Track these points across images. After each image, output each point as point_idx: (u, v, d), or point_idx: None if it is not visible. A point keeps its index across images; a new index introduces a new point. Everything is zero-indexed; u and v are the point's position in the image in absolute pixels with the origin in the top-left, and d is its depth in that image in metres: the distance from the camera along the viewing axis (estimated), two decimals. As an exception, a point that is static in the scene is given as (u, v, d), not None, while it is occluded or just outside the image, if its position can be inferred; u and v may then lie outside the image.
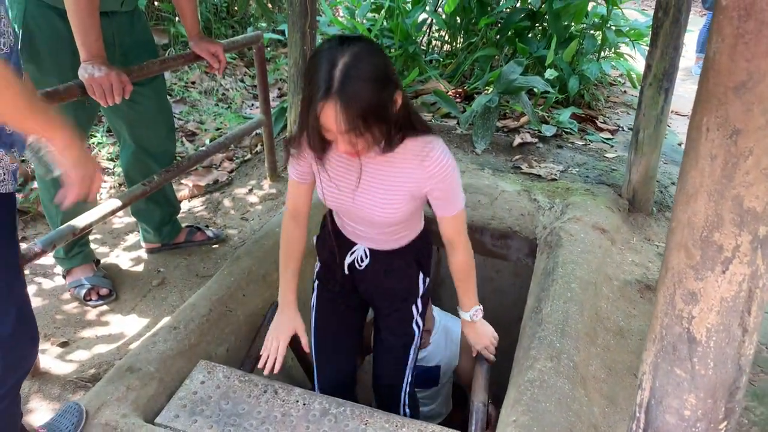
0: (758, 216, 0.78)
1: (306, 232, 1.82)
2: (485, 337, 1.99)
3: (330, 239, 1.83)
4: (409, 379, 2.01)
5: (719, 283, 0.82)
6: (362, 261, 1.79)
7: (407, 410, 2.05)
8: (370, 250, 1.77)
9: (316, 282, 1.96)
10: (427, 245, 1.87)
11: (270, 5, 5.40)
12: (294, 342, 2.26)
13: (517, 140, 3.44)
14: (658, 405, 0.93)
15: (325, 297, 1.95)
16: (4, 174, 1.21)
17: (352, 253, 1.79)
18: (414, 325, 1.91)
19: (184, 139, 3.70)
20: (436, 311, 2.47)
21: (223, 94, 4.55)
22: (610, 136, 3.76)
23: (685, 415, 0.90)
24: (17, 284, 1.28)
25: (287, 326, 1.81)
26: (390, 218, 1.60)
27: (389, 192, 1.57)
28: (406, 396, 2.03)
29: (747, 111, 0.74)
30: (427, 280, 1.88)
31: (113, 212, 2.05)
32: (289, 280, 1.81)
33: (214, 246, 2.64)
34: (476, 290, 1.89)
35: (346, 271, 1.82)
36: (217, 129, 3.89)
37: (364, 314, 2.05)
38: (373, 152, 1.47)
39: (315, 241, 1.92)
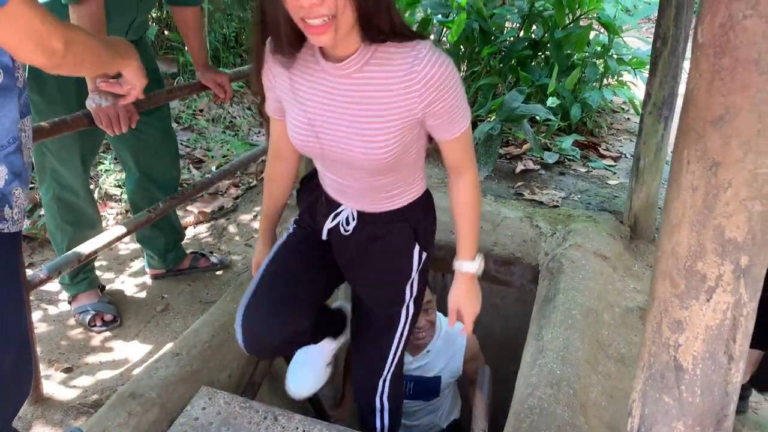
0: (739, 246, 0.80)
1: (295, 170, 1.63)
2: (479, 302, 1.61)
3: (311, 193, 1.59)
4: (389, 378, 1.73)
5: (704, 312, 0.83)
6: (347, 225, 1.52)
7: (385, 421, 1.80)
8: (358, 212, 1.50)
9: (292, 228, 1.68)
10: (428, 213, 1.57)
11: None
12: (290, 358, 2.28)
13: (520, 167, 3.47)
14: (647, 432, 0.94)
15: (296, 236, 1.64)
16: (19, 213, 1.20)
17: (336, 215, 1.52)
18: (403, 311, 1.62)
19: (191, 166, 3.75)
20: (438, 316, 2.39)
21: (231, 121, 4.61)
22: (613, 163, 3.79)
23: (674, 443, 0.91)
24: (21, 323, 1.29)
25: (256, 258, 1.74)
26: (377, 158, 1.30)
27: (372, 118, 1.27)
28: (385, 400, 1.77)
29: (725, 144, 0.76)
30: (425, 255, 1.56)
31: (118, 239, 2.08)
32: (266, 214, 1.71)
33: (218, 272, 2.66)
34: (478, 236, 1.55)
35: (325, 237, 1.57)
36: (224, 156, 3.94)
37: (337, 280, 1.69)
38: (348, 51, 1.22)
39: (296, 195, 1.68)
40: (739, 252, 0.80)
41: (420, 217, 1.53)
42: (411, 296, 1.61)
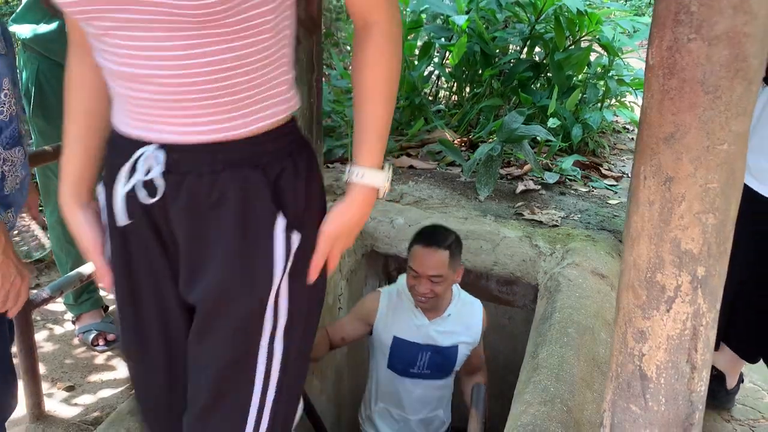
0: (695, 257, 0.83)
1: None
2: (357, 224, 1.09)
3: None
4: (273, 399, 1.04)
5: (665, 322, 0.86)
6: (149, 178, 0.92)
7: None
8: (167, 149, 0.91)
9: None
10: (303, 159, 1.01)
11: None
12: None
13: (520, 187, 3.51)
14: (617, 441, 0.96)
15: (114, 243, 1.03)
16: None
17: (133, 167, 0.93)
18: (260, 360, 0.98)
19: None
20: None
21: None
22: (615, 183, 3.81)
23: (642, 451, 0.93)
24: (2, 347, 1.33)
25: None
26: None
27: None
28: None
29: (677, 160, 0.80)
30: (297, 240, 0.97)
31: (120, 259, 2.14)
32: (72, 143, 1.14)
33: (220, 292, 2.70)
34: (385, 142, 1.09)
35: (123, 221, 0.97)
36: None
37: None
38: None
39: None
40: (695, 263, 0.83)
41: (287, 162, 0.97)
42: (275, 325, 0.98)
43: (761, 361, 2.03)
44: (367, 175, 1.05)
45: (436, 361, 2.23)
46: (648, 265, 0.86)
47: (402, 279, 2.20)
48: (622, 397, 0.94)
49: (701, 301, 0.85)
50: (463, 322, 2.25)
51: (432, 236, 2.06)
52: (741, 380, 2.21)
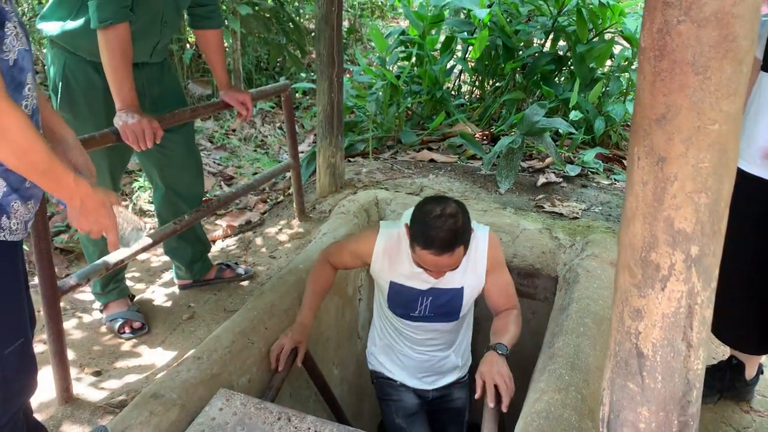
0: (689, 236, 0.84)
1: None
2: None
3: None
4: None
5: (660, 300, 0.88)
6: None
7: None
8: None
9: None
10: None
11: (301, 55, 5.65)
12: (314, 373, 2.36)
13: (542, 180, 3.51)
14: (616, 419, 0.98)
15: None
16: (18, 224, 1.29)
17: None
18: None
19: (222, 183, 3.89)
20: None
21: (262, 140, 4.76)
22: (637, 176, 3.79)
23: (640, 428, 0.95)
24: (19, 327, 1.37)
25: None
26: None
27: None
28: None
29: (669, 140, 0.81)
30: None
31: (144, 249, 2.20)
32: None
33: (242, 282, 2.76)
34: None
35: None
36: (254, 173, 4.08)
37: None
38: None
39: None
40: (688, 242, 0.85)
41: None
42: None
43: None
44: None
45: (439, 305, 2.06)
46: (643, 245, 0.88)
47: (404, 222, 1.96)
48: (620, 375, 0.96)
49: (695, 279, 0.86)
50: (467, 260, 2.00)
51: (444, 242, 1.75)
52: (760, 371, 2.19)
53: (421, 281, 2.00)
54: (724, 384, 2.16)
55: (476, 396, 1.93)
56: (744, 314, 1.98)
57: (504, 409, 1.91)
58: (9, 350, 1.29)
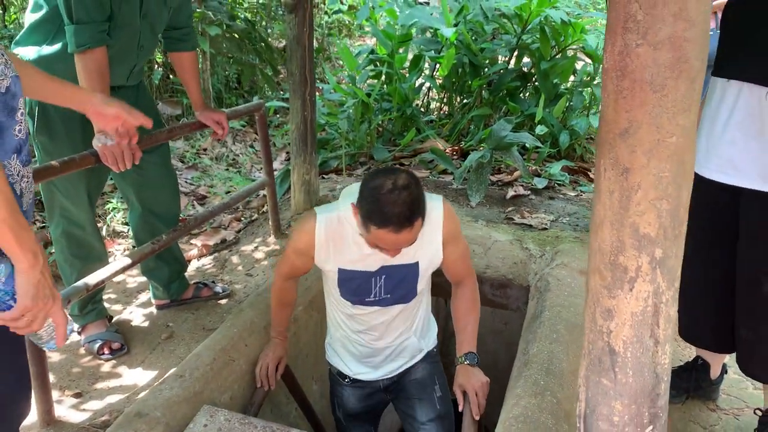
0: (653, 240, 0.92)
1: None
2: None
3: None
4: None
5: (628, 300, 0.95)
6: None
7: None
8: None
9: None
10: None
11: (273, 75, 5.70)
12: (294, 388, 2.38)
13: (511, 193, 3.60)
14: (592, 414, 1.05)
15: None
16: None
17: None
18: None
19: (195, 202, 3.90)
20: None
21: (233, 159, 4.78)
22: (602, 187, 3.91)
23: (614, 421, 1.02)
24: (20, 354, 1.39)
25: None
26: None
27: None
28: None
29: (632, 152, 0.89)
30: None
31: (123, 269, 2.21)
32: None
33: (220, 301, 2.78)
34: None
35: None
36: (227, 192, 4.10)
37: None
38: None
39: None
40: (653, 246, 0.92)
41: None
42: None
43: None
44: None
45: (394, 284, 1.91)
46: (611, 249, 0.95)
47: (345, 206, 1.80)
48: (594, 371, 1.03)
49: (660, 280, 0.94)
50: (420, 233, 1.80)
51: (401, 217, 1.59)
52: (725, 370, 2.29)
53: (372, 262, 1.85)
54: (691, 384, 2.25)
55: (459, 408, 2.00)
56: (707, 315, 2.08)
57: (476, 417, 2.00)
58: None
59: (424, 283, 1.97)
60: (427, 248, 1.89)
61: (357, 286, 1.90)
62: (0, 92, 1.16)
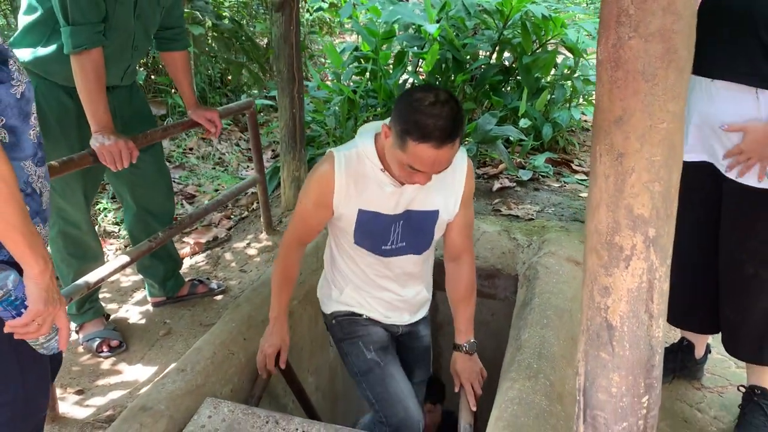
0: (646, 220, 0.98)
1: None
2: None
3: None
4: None
5: (624, 277, 1.01)
6: None
7: None
8: None
9: None
10: None
11: (260, 73, 5.72)
12: (292, 380, 2.43)
13: (497, 185, 3.67)
14: (591, 386, 1.11)
15: None
16: None
17: None
18: None
19: (183, 201, 3.92)
20: None
21: (220, 158, 4.80)
22: (585, 177, 3.99)
23: (612, 392, 1.08)
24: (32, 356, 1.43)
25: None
26: None
27: None
28: None
29: (626, 138, 0.95)
30: None
31: (122, 267, 2.25)
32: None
33: (216, 297, 2.82)
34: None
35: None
36: (215, 190, 4.12)
37: None
38: None
39: None
40: (646, 225, 0.98)
41: None
42: None
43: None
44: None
45: (412, 231, 1.86)
46: (607, 230, 1.01)
47: (363, 142, 1.74)
48: (592, 346, 1.09)
49: (654, 257, 1.00)
50: (444, 177, 1.78)
51: (445, 130, 1.51)
52: (708, 351, 2.38)
53: (393, 203, 1.78)
54: (677, 364, 2.33)
55: (455, 390, 2.06)
56: (691, 299, 2.16)
57: (473, 408, 2.08)
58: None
59: (438, 236, 1.93)
60: (448, 197, 1.84)
61: (375, 232, 1.82)
62: (15, 98, 1.19)
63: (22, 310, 1.18)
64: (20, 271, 1.19)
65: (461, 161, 1.82)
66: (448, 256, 2.03)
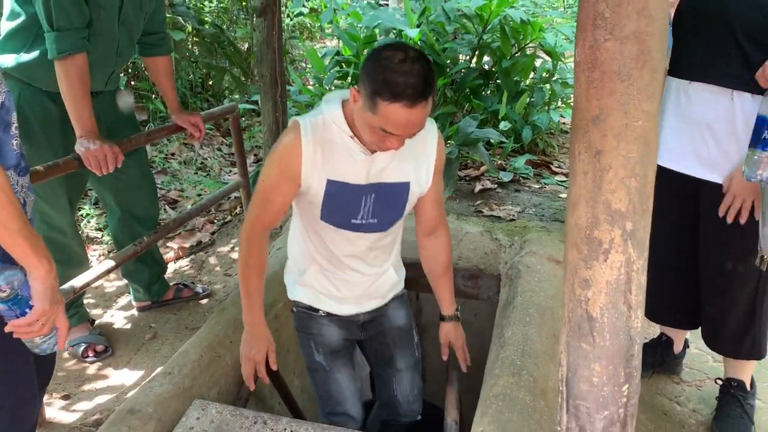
0: (624, 214, 1.02)
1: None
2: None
3: None
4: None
5: (603, 270, 1.05)
6: None
7: None
8: None
9: None
10: None
11: (243, 78, 5.73)
12: (279, 383, 2.44)
13: (478, 187, 3.72)
14: (573, 376, 1.15)
15: None
16: None
17: None
18: None
19: (166, 206, 3.92)
20: None
21: (202, 163, 4.80)
22: (564, 179, 4.06)
23: (594, 382, 1.12)
24: (28, 361, 1.43)
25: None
26: None
27: None
28: None
29: (603, 136, 0.99)
30: None
31: (108, 272, 2.25)
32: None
33: (201, 301, 2.83)
34: None
35: None
36: (198, 195, 4.13)
37: None
38: None
39: None
40: (624, 219, 1.02)
41: None
42: None
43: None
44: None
45: (383, 204, 1.74)
46: (587, 225, 1.05)
47: (329, 108, 1.64)
48: (574, 337, 1.13)
49: (631, 250, 1.04)
50: (414, 147, 1.70)
51: (417, 89, 1.44)
52: (687, 345, 2.44)
53: (362, 172, 1.68)
54: (656, 359, 2.39)
55: (443, 358, 2.19)
56: (670, 296, 2.22)
57: (464, 369, 2.25)
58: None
59: (409, 210, 1.83)
60: (420, 166, 1.75)
61: (344, 204, 1.71)
62: None
63: (27, 309, 1.20)
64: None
65: (431, 129, 1.74)
66: (424, 231, 1.93)
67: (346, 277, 1.88)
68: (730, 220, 1.90)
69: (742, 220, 1.88)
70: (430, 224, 1.91)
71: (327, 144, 1.63)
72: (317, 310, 1.97)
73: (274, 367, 1.97)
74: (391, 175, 1.71)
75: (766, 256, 1.81)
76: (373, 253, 1.86)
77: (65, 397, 2.20)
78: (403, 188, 1.74)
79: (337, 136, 1.63)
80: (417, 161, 1.73)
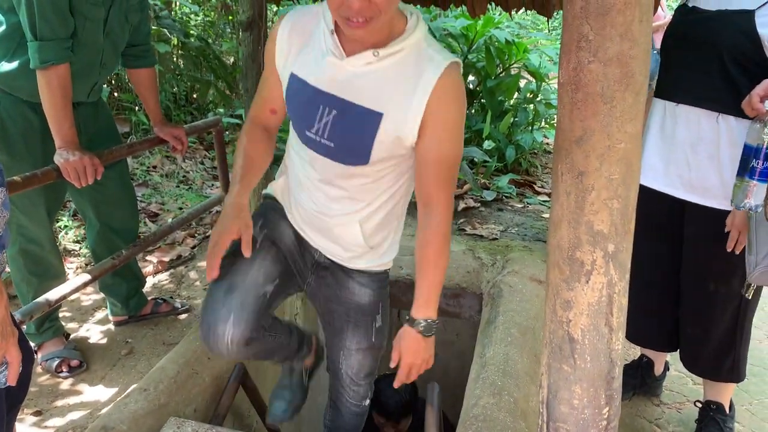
0: (606, 236, 1.02)
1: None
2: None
3: None
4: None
5: (585, 292, 1.05)
6: None
7: None
8: None
9: None
10: None
11: (228, 92, 5.72)
12: (255, 399, 2.40)
13: (462, 205, 3.73)
14: (554, 398, 1.14)
15: None
16: None
17: None
18: None
19: (147, 219, 3.87)
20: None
21: (184, 176, 4.76)
22: (547, 199, 4.08)
23: (574, 404, 1.11)
24: None
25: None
26: None
27: None
28: None
29: (586, 157, 0.99)
30: None
31: (85, 285, 2.21)
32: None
33: (179, 316, 2.79)
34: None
35: None
36: (179, 209, 4.09)
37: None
38: None
39: None
40: (606, 241, 1.02)
41: None
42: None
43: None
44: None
45: (344, 127, 1.45)
46: (569, 245, 1.05)
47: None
48: (555, 359, 1.12)
49: (613, 272, 1.04)
50: (401, 74, 1.41)
51: None
52: (667, 368, 2.44)
53: (329, 78, 1.44)
54: (637, 381, 2.39)
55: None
56: (651, 317, 2.22)
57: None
58: None
59: (384, 155, 1.47)
60: (401, 104, 1.41)
61: (301, 106, 1.49)
62: None
63: None
64: None
65: (431, 73, 1.39)
66: (419, 199, 1.55)
67: (301, 200, 1.66)
68: (729, 249, 1.91)
69: (737, 251, 1.89)
70: (423, 191, 1.52)
71: (306, 36, 1.48)
72: (280, 204, 1.75)
73: (246, 254, 1.54)
74: (359, 96, 1.43)
75: (753, 284, 1.82)
76: (334, 188, 1.57)
77: (37, 413, 2.14)
78: (371, 117, 1.42)
79: (318, 30, 1.46)
80: (399, 98, 1.41)
